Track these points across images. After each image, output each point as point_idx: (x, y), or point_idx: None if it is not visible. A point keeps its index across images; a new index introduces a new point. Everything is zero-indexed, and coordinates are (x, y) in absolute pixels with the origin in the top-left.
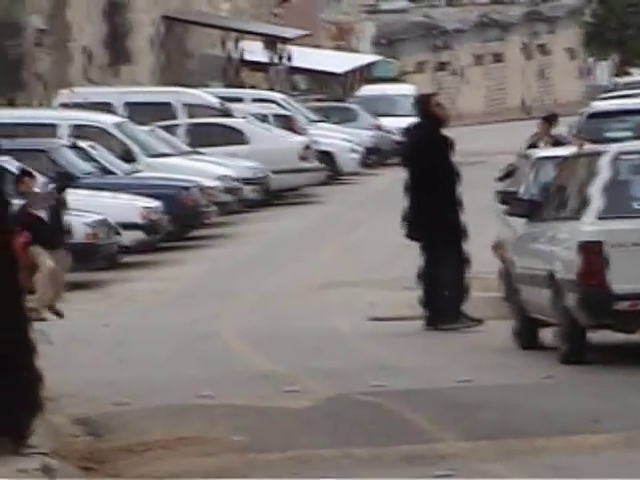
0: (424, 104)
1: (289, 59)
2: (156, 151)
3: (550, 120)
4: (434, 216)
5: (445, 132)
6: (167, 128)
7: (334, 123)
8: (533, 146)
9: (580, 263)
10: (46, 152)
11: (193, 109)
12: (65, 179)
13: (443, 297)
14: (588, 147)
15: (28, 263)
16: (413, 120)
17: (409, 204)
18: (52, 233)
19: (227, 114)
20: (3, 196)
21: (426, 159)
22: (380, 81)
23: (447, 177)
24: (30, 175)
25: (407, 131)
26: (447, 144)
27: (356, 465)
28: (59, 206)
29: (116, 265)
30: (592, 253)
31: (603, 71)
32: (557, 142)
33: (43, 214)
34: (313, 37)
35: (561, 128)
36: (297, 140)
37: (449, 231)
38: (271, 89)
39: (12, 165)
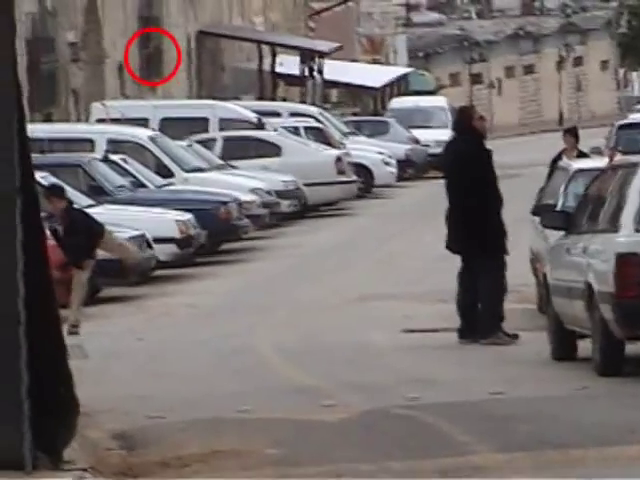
0: (466, 117)
1: (321, 72)
2: (191, 165)
3: (574, 133)
4: (477, 229)
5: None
6: (203, 142)
7: (368, 136)
8: (558, 159)
9: (617, 275)
10: (80, 166)
11: (228, 123)
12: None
13: (478, 311)
14: (620, 158)
15: (65, 278)
16: (445, 131)
17: (452, 217)
18: (73, 249)
19: (262, 128)
20: (38, 212)
21: (471, 172)
22: (416, 94)
23: (491, 190)
24: (55, 194)
25: (449, 144)
26: (490, 157)
27: (392, 478)
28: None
29: (151, 279)
30: (629, 265)
31: (637, 82)
32: (581, 154)
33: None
34: (348, 51)
35: (599, 140)
36: (332, 153)
37: (491, 244)
38: (303, 102)
39: (47, 181)
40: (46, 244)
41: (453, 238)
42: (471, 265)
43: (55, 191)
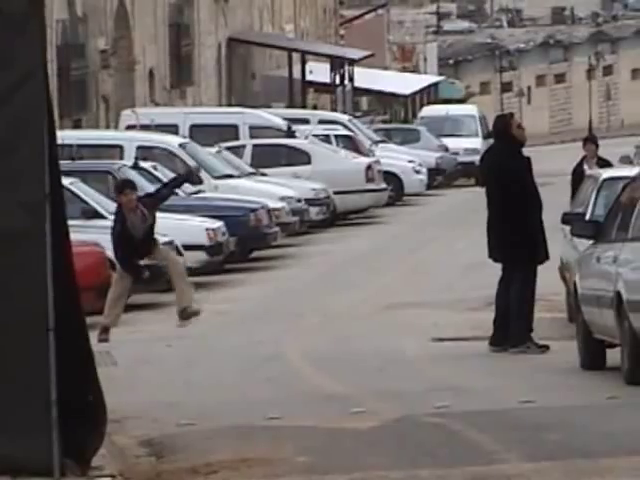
0: (504, 126)
1: (351, 80)
2: (220, 172)
3: (593, 141)
4: (516, 237)
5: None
6: (232, 149)
7: (399, 144)
8: (579, 167)
9: None
10: (110, 173)
11: (258, 130)
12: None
13: (511, 319)
14: None
15: (99, 283)
16: (475, 140)
17: (492, 225)
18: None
19: (292, 135)
20: (65, 219)
21: (509, 180)
22: (446, 102)
23: (531, 198)
24: (128, 186)
25: (488, 153)
26: (529, 165)
27: None
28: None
29: None
30: None
31: None
32: (602, 161)
33: (140, 228)
34: (379, 58)
35: (628, 148)
36: (361, 161)
37: (530, 253)
38: (334, 109)
39: (78, 188)
40: (71, 251)
41: (494, 247)
42: (509, 273)
43: (127, 184)
